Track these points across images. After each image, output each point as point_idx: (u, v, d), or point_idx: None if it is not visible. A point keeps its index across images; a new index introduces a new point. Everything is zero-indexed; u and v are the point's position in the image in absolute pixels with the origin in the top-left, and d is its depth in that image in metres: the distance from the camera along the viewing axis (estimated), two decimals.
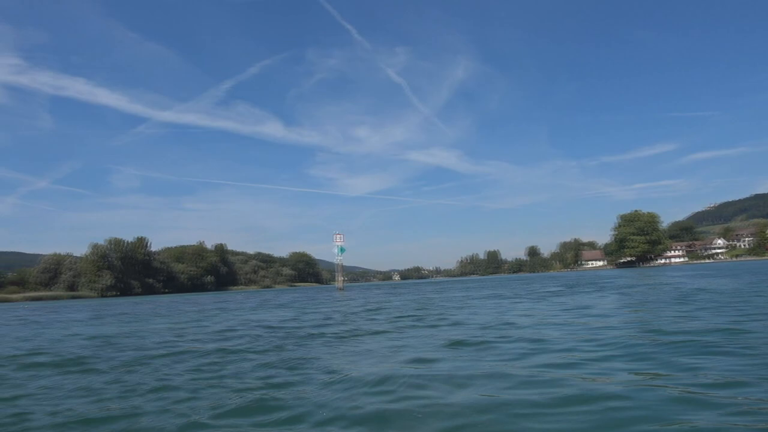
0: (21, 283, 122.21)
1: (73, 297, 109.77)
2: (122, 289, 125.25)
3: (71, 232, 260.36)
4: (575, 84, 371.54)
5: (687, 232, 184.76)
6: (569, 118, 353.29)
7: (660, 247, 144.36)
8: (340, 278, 47.37)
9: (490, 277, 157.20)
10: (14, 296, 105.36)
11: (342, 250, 44.14)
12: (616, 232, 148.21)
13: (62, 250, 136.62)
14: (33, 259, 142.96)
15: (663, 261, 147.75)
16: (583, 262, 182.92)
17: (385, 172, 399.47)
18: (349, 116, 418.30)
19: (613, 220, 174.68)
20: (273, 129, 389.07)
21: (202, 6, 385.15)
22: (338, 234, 44.41)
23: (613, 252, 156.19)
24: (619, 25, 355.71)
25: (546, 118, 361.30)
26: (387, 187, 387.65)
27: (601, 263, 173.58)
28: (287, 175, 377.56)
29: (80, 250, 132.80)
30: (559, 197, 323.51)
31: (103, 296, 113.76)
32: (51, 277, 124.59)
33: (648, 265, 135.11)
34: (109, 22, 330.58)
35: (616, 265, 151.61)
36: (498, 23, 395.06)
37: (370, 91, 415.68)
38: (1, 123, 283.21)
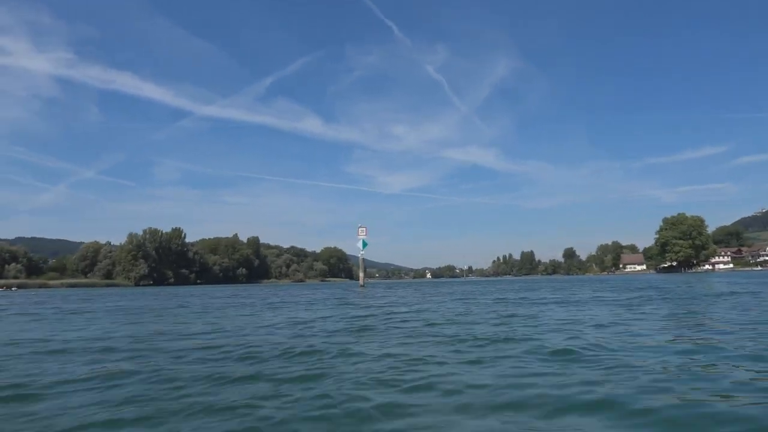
0: (61, 270, 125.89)
1: (109, 285, 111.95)
2: (156, 279, 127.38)
3: (114, 222, 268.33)
4: (618, 82, 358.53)
5: (734, 237, 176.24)
6: (611, 118, 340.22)
7: (705, 252, 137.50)
8: (362, 274, 45.56)
9: (525, 278, 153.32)
10: (52, 282, 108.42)
11: (365, 244, 42.48)
12: (659, 236, 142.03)
13: (104, 239, 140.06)
14: (77, 247, 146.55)
15: (707, 267, 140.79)
16: (622, 266, 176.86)
17: (422, 169, 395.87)
18: (386, 113, 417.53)
19: (655, 224, 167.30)
20: (312, 125, 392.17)
21: (246, 2, 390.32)
22: (362, 227, 42.68)
23: (654, 256, 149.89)
24: (666, 21, 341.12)
25: (587, 117, 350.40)
26: (423, 184, 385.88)
27: (640, 267, 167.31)
28: (325, 171, 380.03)
29: (120, 239, 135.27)
30: (599, 198, 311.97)
31: (137, 285, 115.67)
32: (89, 264, 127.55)
33: (691, 271, 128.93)
34: (156, 18, 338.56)
35: (657, 269, 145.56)
36: (538, 19, 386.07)
37: (408, 88, 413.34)
38: (53, 114, 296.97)
